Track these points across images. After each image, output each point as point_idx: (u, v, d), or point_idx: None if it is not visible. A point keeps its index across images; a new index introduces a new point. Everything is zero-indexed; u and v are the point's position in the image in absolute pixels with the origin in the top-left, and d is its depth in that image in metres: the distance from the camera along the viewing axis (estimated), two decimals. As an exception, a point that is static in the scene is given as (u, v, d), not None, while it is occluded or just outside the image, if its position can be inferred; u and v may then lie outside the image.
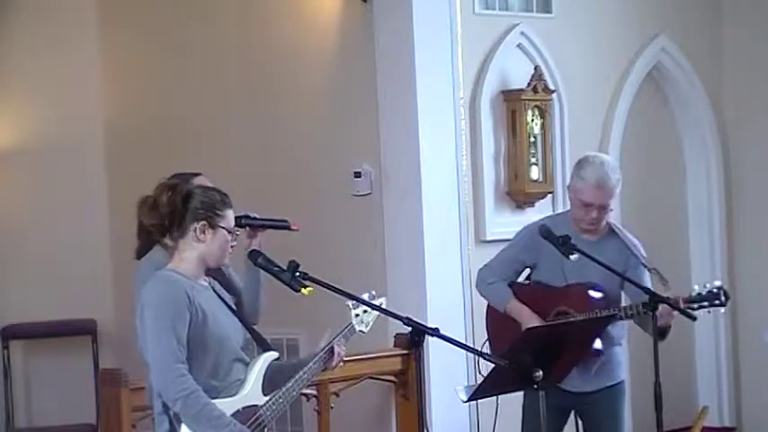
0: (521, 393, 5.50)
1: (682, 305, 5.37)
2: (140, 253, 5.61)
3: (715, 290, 5.43)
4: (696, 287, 5.48)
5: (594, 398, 5.69)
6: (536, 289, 5.72)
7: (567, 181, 7.53)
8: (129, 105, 8.81)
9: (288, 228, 5.34)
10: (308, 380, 4.61)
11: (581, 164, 5.68)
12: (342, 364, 4.72)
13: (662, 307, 5.31)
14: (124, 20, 8.82)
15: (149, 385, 4.51)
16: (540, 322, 5.53)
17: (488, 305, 5.91)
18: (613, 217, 7.96)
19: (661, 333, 5.36)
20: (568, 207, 7.68)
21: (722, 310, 5.53)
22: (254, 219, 5.19)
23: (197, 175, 5.44)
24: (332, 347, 4.65)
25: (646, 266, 5.59)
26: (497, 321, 5.81)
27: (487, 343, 5.81)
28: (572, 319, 5.47)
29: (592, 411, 5.74)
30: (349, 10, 7.46)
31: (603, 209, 5.55)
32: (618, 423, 5.78)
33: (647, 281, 5.60)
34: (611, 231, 5.67)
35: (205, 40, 8.31)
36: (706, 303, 5.42)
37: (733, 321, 8.68)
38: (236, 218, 4.90)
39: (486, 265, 5.91)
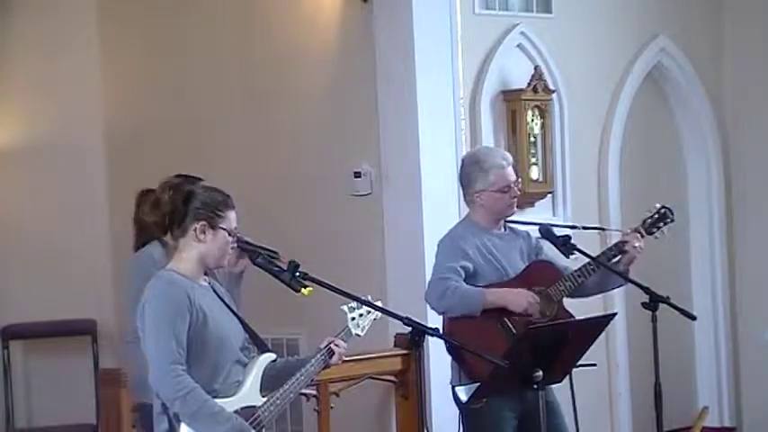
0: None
1: (644, 233, 5.70)
2: (138, 248, 5.68)
3: (662, 210, 5.78)
4: (644, 215, 5.78)
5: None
6: (494, 287, 5.49)
7: (561, 182, 7.55)
8: (129, 105, 8.81)
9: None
10: (306, 382, 4.61)
11: (478, 162, 5.63)
12: (341, 361, 4.70)
13: (628, 242, 5.60)
14: (124, 20, 8.82)
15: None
16: (525, 292, 5.41)
17: (447, 327, 5.49)
18: (614, 217, 8.03)
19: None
20: (569, 206, 7.79)
21: (671, 224, 5.81)
22: (248, 243, 5.09)
23: (200, 180, 5.46)
24: (330, 348, 4.64)
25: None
26: (470, 335, 5.37)
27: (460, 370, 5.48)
28: (572, 320, 5.47)
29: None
30: (349, 10, 7.46)
31: (516, 183, 5.67)
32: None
33: (556, 257, 5.73)
34: (545, 238, 5.69)
35: (205, 41, 8.31)
36: (661, 224, 5.76)
37: (733, 321, 8.69)
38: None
39: (435, 280, 5.50)
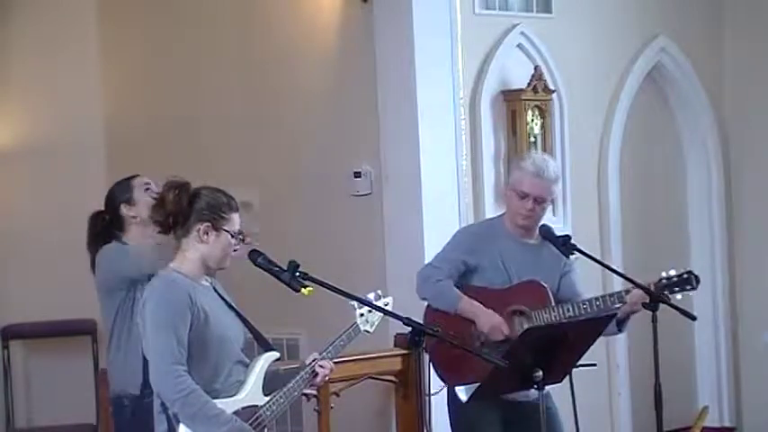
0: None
1: (653, 294, 5.27)
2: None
3: (685, 275, 5.35)
4: (663, 273, 5.40)
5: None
6: (480, 291, 5.52)
7: (561, 182, 7.51)
8: (129, 105, 8.81)
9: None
10: (309, 380, 4.61)
11: (522, 157, 5.73)
12: (327, 378, 4.66)
13: (633, 294, 5.30)
14: (124, 20, 8.82)
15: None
16: (497, 317, 5.40)
17: (426, 315, 5.60)
18: (613, 216, 8.03)
19: (621, 322, 5.38)
20: (569, 206, 7.79)
21: (691, 293, 5.42)
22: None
23: (135, 176, 5.56)
24: (314, 369, 4.62)
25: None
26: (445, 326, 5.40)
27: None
28: (573, 320, 5.46)
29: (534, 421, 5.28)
30: (349, 10, 7.46)
31: (540, 203, 5.49)
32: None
33: (579, 283, 5.60)
34: (544, 238, 5.58)
35: (205, 40, 8.31)
36: (678, 288, 5.34)
37: (733, 321, 8.69)
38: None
39: (429, 265, 5.69)
